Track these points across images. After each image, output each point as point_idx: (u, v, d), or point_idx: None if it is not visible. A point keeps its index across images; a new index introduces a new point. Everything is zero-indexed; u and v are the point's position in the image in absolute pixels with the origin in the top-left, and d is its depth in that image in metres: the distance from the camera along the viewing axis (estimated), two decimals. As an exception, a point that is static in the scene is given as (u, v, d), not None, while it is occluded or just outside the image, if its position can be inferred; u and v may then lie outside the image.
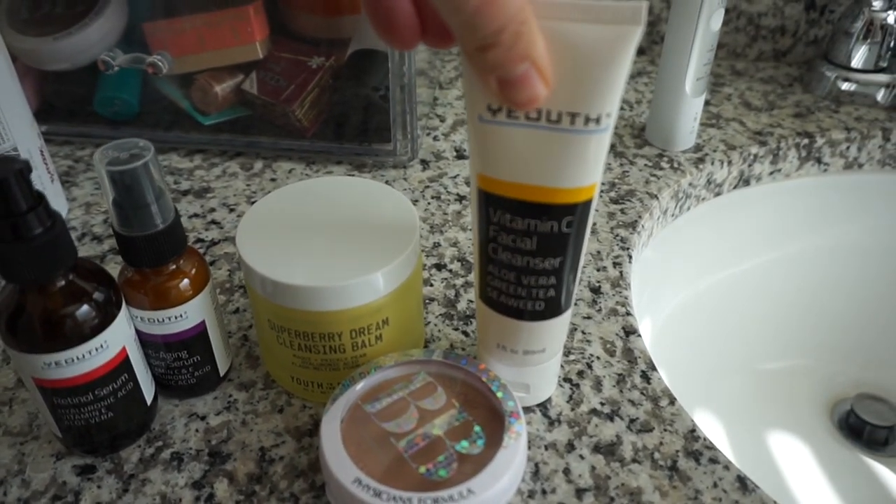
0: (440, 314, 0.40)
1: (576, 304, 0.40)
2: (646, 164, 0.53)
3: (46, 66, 0.52)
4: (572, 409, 0.34)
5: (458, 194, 0.50)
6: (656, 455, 0.32)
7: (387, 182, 0.51)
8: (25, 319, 0.28)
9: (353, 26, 0.51)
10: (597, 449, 0.33)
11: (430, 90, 0.61)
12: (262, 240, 0.33)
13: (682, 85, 0.52)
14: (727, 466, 0.32)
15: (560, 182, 0.27)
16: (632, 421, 0.34)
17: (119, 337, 0.30)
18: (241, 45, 0.50)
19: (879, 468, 0.55)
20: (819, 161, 0.58)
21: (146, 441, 0.33)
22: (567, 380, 0.36)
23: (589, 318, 0.40)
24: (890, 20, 0.59)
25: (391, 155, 0.53)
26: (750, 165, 0.56)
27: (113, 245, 0.45)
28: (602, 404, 0.35)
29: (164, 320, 0.32)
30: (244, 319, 0.40)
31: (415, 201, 0.49)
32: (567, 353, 0.37)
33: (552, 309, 0.30)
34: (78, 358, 0.29)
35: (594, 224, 0.47)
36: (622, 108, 0.61)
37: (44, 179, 0.46)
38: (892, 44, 0.59)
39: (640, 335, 0.39)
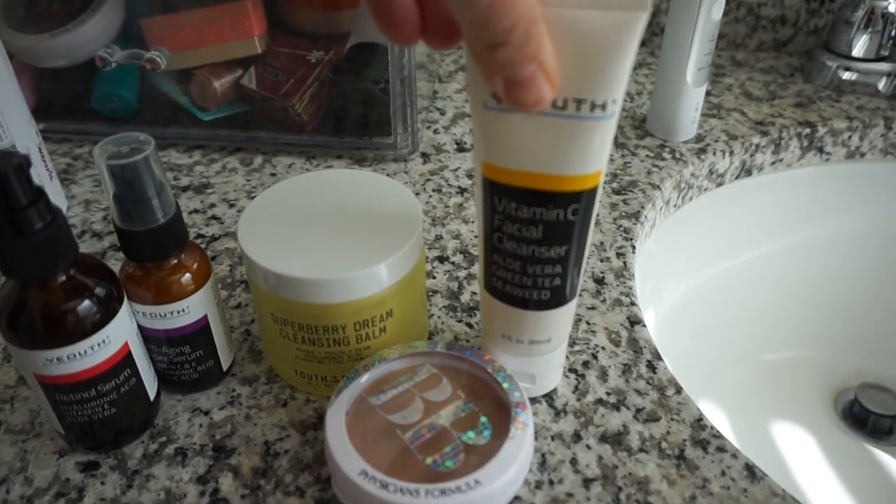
0: (443, 306, 0.40)
1: (580, 295, 0.40)
2: (647, 155, 0.53)
3: (43, 64, 0.52)
4: (578, 400, 0.34)
5: (459, 187, 0.50)
6: (663, 444, 0.32)
7: (387, 175, 0.51)
8: (27, 315, 0.28)
9: (352, 20, 0.51)
10: (603, 439, 0.32)
11: (430, 84, 0.61)
12: (264, 233, 0.32)
13: (684, 75, 0.51)
14: (735, 455, 0.31)
15: (566, 169, 0.26)
16: (638, 410, 0.34)
17: (121, 332, 0.30)
18: (240, 40, 0.50)
19: (884, 457, 0.55)
20: (821, 151, 0.58)
21: (149, 437, 0.33)
22: (572, 370, 0.36)
23: (593, 308, 0.40)
24: (891, 9, 0.58)
25: (391, 148, 0.52)
26: (752, 155, 0.56)
27: (113, 242, 0.45)
28: (608, 394, 0.34)
29: (166, 315, 0.31)
30: (246, 314, 0.40)
31: (416, 194, 0.49)
32: (572, 343, 0.37)
33: (557, 298, 0.30)
34: (80, 353, 0.28)
35: (597, 215, 0.46)
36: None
37: (42, 177, 0.45)
38: (893, 33, 0.59)
39: (644, 325, 0.38)
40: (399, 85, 0.49)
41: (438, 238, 0.45)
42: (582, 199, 0.27)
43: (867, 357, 0.61)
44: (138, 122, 0.55)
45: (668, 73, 0.52)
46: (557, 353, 0.33)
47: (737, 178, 0.57)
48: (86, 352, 0.28)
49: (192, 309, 0.32)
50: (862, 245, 0.61)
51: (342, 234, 0.32)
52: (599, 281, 0.41)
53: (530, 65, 0.23)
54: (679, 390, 0.35)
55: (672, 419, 0.33)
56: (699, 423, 0.33)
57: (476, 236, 0.45)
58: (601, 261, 0.43)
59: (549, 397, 0.34)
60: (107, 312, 0.29)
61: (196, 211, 0.48)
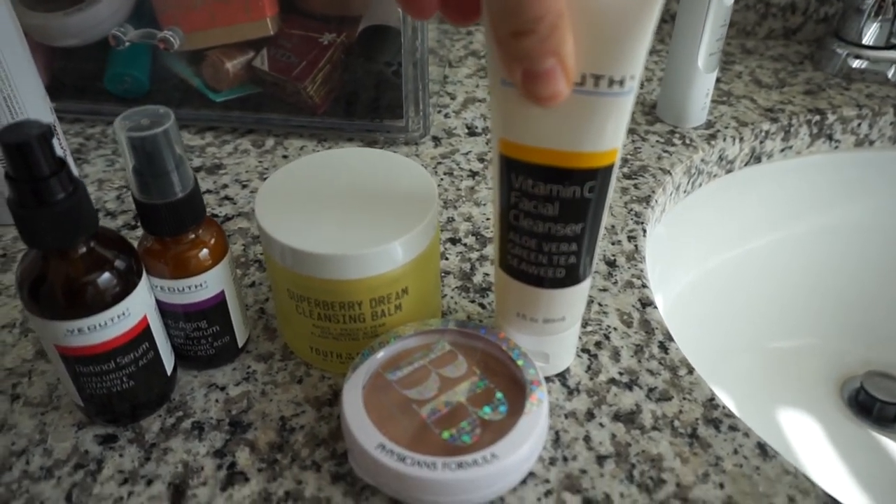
0: (456, 287, 0.40)
1: (592, 277, 0.40)
2: (658, 141, 0.53)
3: (56, 43, 0.52)
4: (591, 379, 0.34)
5: (470, 170, 0.50)
6: (676, 423, 0.32)
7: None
8: (48, 286, 0.28)
9: (364, 3, 0.51)
10: (616, 417, 0.33)
11: (441, 68, 0.61)
12: (280, 210, 0.33)
13: (695, 60, 0.51)
14: (747, 434, 0.32)
15: (583, 146, 0.26)
16: (650, 390, 0.34)
17: (140, 305, 0.30)
18: (252, 22, 0.50)
19: (889, 444, 0.55)
20: (830, 138, 0.58)
21: (166, 411, 0.33)
22: (585, 350, 0.36)
23: (605, 290, 0.40)
24: (902, -4, 0.58)
25: (403, 131, 0.52)
26: (762, 142, 0.56)
27: (126, 221, 0.45)
28: (620, 374, 0.35)
29: (183, 289, 0.32)
30: (260, 293, 0.40)
31: (427, 177, 0.49)
32: (584, 324, 0.37)
33: (572, 276, 0.30)
34: (100, 325, 0.29)
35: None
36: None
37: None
38: (903, 20, 0.59)
39: (656, 307, 0.39)
40: (411, 68, 0.49)
41: (450, 220, 0.45)
42: (598, 177, 0.27)
43: (873, 345, 0.62)
44: (150, 102, 0.53)
45: (680, 58, 0.52)
46: (571, 333, 0.34)
47: (746, 164, 0.57)
48: (106, 323, 0.29)
49: (209, 284, 0.32)
50: (870, 233, 0.61)
51: (358, 211, 0.32)
52: (611, 263, 0.42)
53: (551, 58, 0.24)
54: (691, 370, 0.35)
55: (684, 398, 0.33)
56: (711, 402, 0.33)
57: (488, 219, 0.45)
58: (612, 244, 0.43)
59: (563, 377, 0.35)
60: (126, 285, 0.29)
61: (209, 191, 0.48)
